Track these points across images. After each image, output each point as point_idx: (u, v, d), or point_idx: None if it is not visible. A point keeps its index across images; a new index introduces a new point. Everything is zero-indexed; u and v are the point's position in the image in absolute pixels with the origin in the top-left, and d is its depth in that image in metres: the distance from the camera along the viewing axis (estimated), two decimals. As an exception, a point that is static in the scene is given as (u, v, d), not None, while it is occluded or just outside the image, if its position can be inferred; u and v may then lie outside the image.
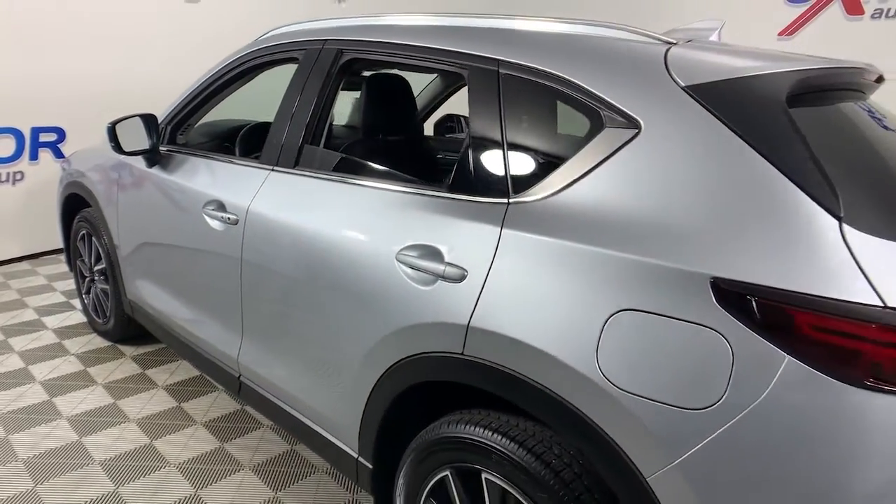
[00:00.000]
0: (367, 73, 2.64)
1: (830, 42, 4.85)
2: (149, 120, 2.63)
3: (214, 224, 2.27)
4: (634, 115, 1.35)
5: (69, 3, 4.50)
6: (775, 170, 1.18)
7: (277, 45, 2.36)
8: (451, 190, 1.62)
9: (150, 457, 2.50)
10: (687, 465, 1.16)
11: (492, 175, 1.56)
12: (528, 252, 1.40)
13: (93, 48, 4.66)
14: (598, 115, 1.41)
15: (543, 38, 1.63)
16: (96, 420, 2.74)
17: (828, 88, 1.51)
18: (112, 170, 3.02)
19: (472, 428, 1.50)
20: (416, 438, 1.67)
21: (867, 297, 1.05)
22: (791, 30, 5.08)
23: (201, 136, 2.99)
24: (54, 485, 2.32)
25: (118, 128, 2.61)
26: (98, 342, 3.49)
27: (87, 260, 3.43)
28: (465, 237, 1.53)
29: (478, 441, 1.47)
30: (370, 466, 1.84)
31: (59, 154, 4.75)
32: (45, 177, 4.70)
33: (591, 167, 1.38)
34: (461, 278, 1.49)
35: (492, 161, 1.57)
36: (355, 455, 1.89)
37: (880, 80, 1.68)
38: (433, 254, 1.56)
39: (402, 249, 1.63)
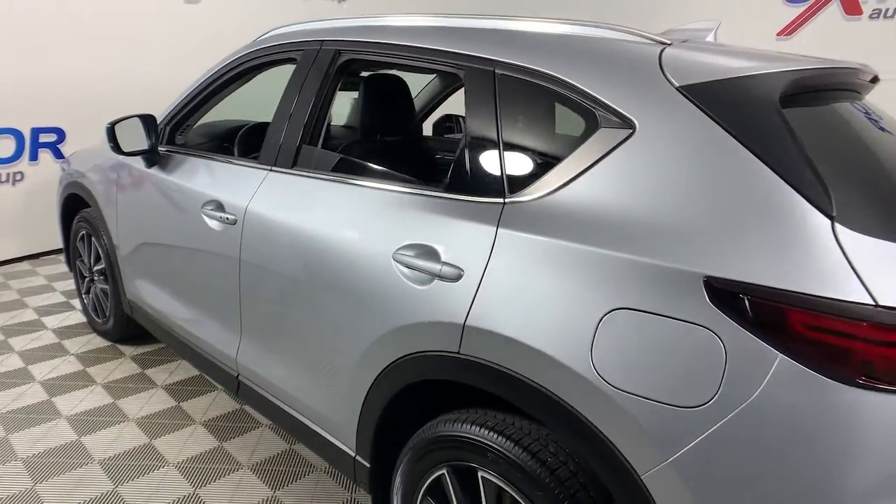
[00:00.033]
0: (364, 74, 2.65)
1: (829, 42, 4.87)
2: (147, 120, 2.64)
3: (213, 224, 2.28)
4: (629, 116, 1.36)
5: (69, 3, 4.51)
6: (768, 169, 1.19)
7: (275, 45, 2.37)
8: (447, 190, 1.63)
9: (149, 456, 2.51)
10: (680, 462, 1.16)
11: (488, 175, 1.56)
12: (524, 251, 1.41)
13: (93, 49, 4.66)
14: (593, 116, 1.42)
15: (539, 39, 1.64)
16: (95, 419, 2.75)
17: (822, 88, 1.52)
18: (111, 170, 3.03)
19: (469, 426, 1.50)
20: (413, 437, 1.68)
21: (859, 296, 1.06)
22: (790, 30, 5.09)
23: (200, 137, 3.00)
24: (53, 484, 2.32)
25: (117, 128, 2.62)
26: (98, 342, 3.50)
27: (86, 260, 3.44)
28: (461, 237, 1.54)
29: (474, 439, 1.48)
30: (367, 465, 1.85)
31: (58, 154, 4.76)
32: (44, 177, 4.71)
33: (586, 167, 1.39)
34: (457, 278, 1.50)
35: (488, 161, 1.58)
36: (353, 454, 1.89)
37: (875, 80, 1.69)
38: (430, 253, 1.57)
39: (398, 249, 1.64)
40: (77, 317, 3.81)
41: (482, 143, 1.60)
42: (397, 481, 1.73)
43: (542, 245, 1.38)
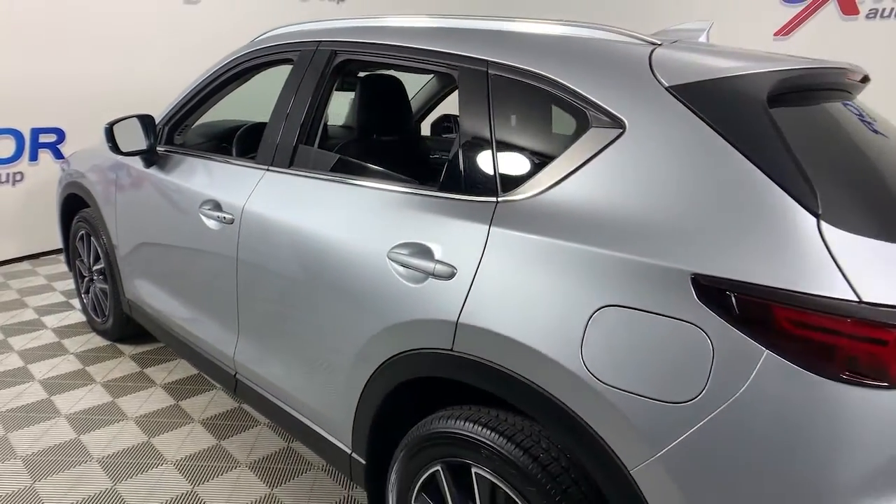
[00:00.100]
0: (361, 74, 2.67)
1: (826, 42, 4.88)
2: (146, 120, 2.65)
3: (211, 224, 2.29)
4: (619, 115, 1.38)
5: (69, 3, 4.53)
6: (756, 168, 1.20)
7: (272, 46, 2.38)
8: (441, 189, 1.65)
9: (148, 454, 2.53)
10: (669, 457, 1.18)
11: (481, 174, 1.58)
12: (516, 250, 1.43)
13: (92, 49, 4.68)
14: (584, 115, 1.43)
15: (532, 40, 1.65)
16: (95, 418, 2.77)
17: (813, 88, 1.53)
18: (110, 170, 3.04)
19: (462, 423, 1.52)
20: (407, 434, 1.70)
21: (843, 293, 1.07)
22: (787, 30, 5.11)
23: (198, 137, 3.02)
24: (53, 482, 2.34)
25: (116, 128, 2.64)
26: (97, 341, 3.52)
27: (86, 260, 3.46)
28: (454, 235, 1.55)
29: (468, 436, 1.49)
30: (363, 462, 1.86)
31: (58, 155, 4.78)
32: (44, 177, 4.72)
33: (576, 166, 1.40)
34: (450, 276, 1.51)
35: (481, 160, 1.59)
36: (349, 451, 1.91)
37: (866, 80, 1.70)
38: (424, 252, 1.59)
39: (393, 248, 1.66)
40: (76, 316, 3.82)
41: (475, 143, 1.62)
42: (392, 478, 1.75)
43: (533, 243, 1.40)
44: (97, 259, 3.33)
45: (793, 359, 1.08)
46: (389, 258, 1.66)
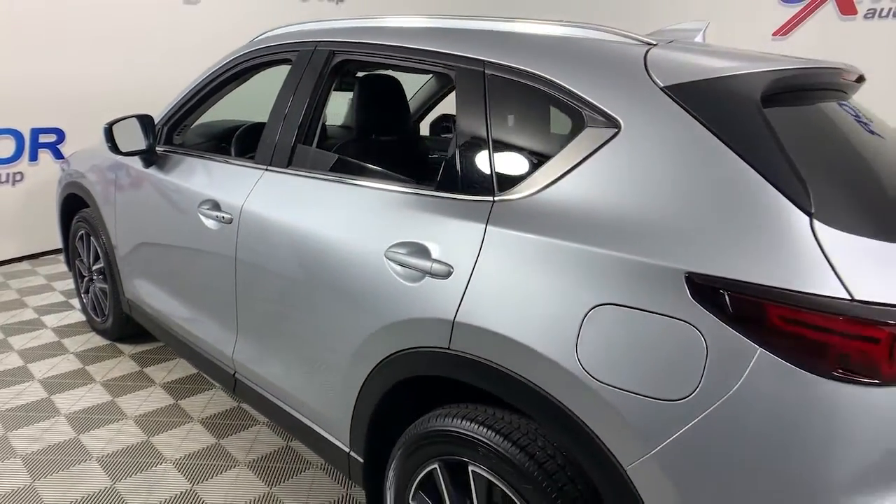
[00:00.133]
0: (360, 74, 2.67)
1: (824, 42, 4.89)
2: (145, 120, 2.66)
3: (209, 223, 2.30)
4: (614, 115, 1.38)
5: (69, 4, 4.54)
6: (749, 167, 1.21)
7: (271, 46, 2.39)
8: (439, 188, 1.66)
9: (147, 453, 2.53)
10: (663, 454, 1.19)
11: (477, 174, 1.59)
12: (512, 249, 1.44)
13: (92, 49, 4.69)
14: (579, 115, 1.44)
15: (528, 40, 1.66)
16: (94, 417, 2.78)
17: (807, 88, 1.54)
18: (109, 170, 3.05)
19: (459, 421, 1.53)
20: (405, 432, 1.70)
21: (836, 291, 1.08)
22: (785, 30, 5.12)
23: (197, 137, 3.03)
24: (52, 481, 2.35)
25: (115, 128, 2.65)
26: (97, 341, 3.53)
27: (85, 259, 3.47)
28: (451, 234, 1.56)
29: (464, 434, 1.50)
30: (361, 460, 1.87)
31: (58, 155, 4.79)
32: (44, 177, 4.73)
33: (572, 166, 1.41)
34: (447, 275, 1.52)
35: (477, 160, 1.60)
36: (347, 449, 1.92)
37: (861, 79, 1.71)
38: (421, 251, 1.60)
39: (391, 247, 1.66)
40: (76, 316, 3.83)
41: (472, 143, 1.62)
42: (390, 476, 1.76)
43: (529, 242, 1.41)
44: (97, 259, 3.34)
45: (786, 356, 1.09)
46: (387, 257, 1.66)
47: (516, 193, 1.49)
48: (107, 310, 3.40)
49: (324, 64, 2.13)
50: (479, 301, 1.46)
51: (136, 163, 2.80)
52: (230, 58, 2.56)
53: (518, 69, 1.57)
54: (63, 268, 4.28)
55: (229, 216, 2.20)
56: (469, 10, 2.23)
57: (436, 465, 1.61)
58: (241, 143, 2.74)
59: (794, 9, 5.05)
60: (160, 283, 2.79)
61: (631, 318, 1.23)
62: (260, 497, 2.31)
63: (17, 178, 4.70)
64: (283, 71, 2.32)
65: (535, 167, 1.49)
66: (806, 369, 1.08)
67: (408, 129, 2.71)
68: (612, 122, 1.39)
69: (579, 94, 1.45)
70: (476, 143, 1.62)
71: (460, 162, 1.63)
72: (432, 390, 1.69)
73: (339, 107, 3.40)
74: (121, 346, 3.46)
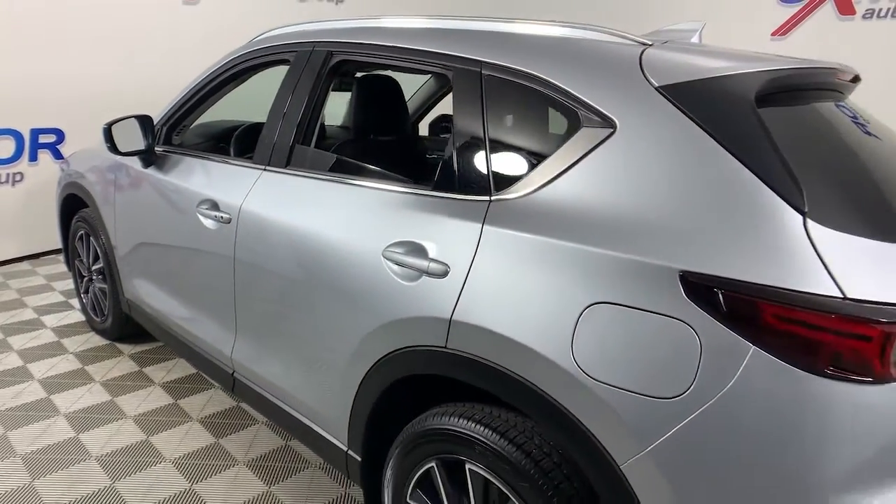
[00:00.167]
0: (358, 75, 2.68)
1: (823, 42, 4.90)
2: (144, 121, 2.67)
3: (208, 223, 2.31)
4: (610, 115, 1.39)
5: (69, 4, 4.54)
6: (743, 167, 1.22)
7: (269, 47, 2.40)
8: (436, 188, 1.67)
9: (146, 452, 2.54)
10: (658, 452, 1.19)
11: (474, 173, 1.60)
12: (508, 248, 1.44)
13: (92, 50, 4.70)
14: (575, 115, 1.45)
15: (525, 40, 1.67)
16: (93, 417, 2.78)
17: (802, 88, 1.55)
18: (109, 170, 3.06)
19: (457, 420, 1.53)
20: (403, 431, 1.71)
21: (828, 290, 1.09)
22: (784, 30, 5.12)
23: (196, 137, 3.04)
24: (51, 480, 2.36)
25: (114, 129, 2.65)
26: (96, 340, 3.53)
27: (85, 260, 3.48)
28: (448, 234, 1.57)
29: (461, 432, 1.51)
30: (359, 459, 1.88)
31: (58, 155, 4.80)
32: (44, 178, 4.74)
33: (568, 165, 1.42)
34: (444, 274, 1.53)
35: (474, 160, 1.61)
36: (345, 448, 1.93)
37: (856, 79, 1.72)
38: (418, 250, 1.61)
39: (388, 246, 1.67)
40: (76, 316, 3.84)
41: (469, 143, 1.63)
42: (388, 474, 1.76)
43: (525, 241, 1.41)
44: (96, 259, 3.35)
45: (779, 354, 1.10)
46: (384, 257, 1.67)
47: (512, 193, 1.49)
48: (106, 310, 3.41)
49: (322, 64, 2.13)
50: (475, 300, 1.46)
51: (135, 163, 2.81)
52: (228, 58, 2.57)
53: (514, 69, 1.58)
54: (63, 268, 4.29)
55: (228, 216, 2.21)
56: (468, 11, 2.24)
57: (433, 464, 1.62)
58: (239, 143, 2.75)
59: (793, 9, 5.06)
60: (159, 282, 2.80)
61: (626, 317, 1.23)
62: (259, 496, 2.31)
63: (17, 178, 4.71)
64: (281, 71, 2.33)
65: (531, 167, 1.50)
66: (799, 367, 1.09)
67: (406, 129, 2.72)
68: (607, 122, 1.39)
69: (575, 94, 1.46)
70: (473, 143, 1.62)
71: (457, 162, 1.64)
72: (430, 389, 1.70)
73: (338, 107, 3.41)
74: (120, 346, 3.47)
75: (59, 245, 3.85)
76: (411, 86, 3.40)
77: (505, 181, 1.53)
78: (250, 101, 2.97)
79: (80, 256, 3.54)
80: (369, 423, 1.81)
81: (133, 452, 2.54)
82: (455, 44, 1.75)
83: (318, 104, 2.15)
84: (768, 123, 1.29)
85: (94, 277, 3.43)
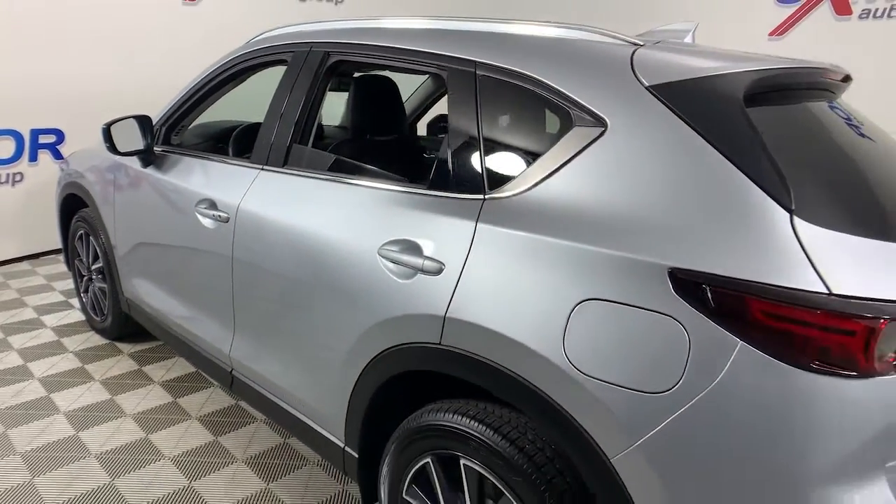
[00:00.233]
0: (356, 75, 2.70)
1: (820, 42, 4.91)
2: (143, 121, 2.68)
3: (206, 222, 2.33)
4: (601, 114, 1.41)
5: (69, 4, 4.56)
6: (731, 165, 1.24)
7: (267, 47, 2.42)
8: (431, 187, 1.68)
9: (146, 450, 2.56)
10: (647, 445, 1.21)
11: (468, 172, 1.62)
12: (502, 246, 1.46)
13: (91, 50, 4.72)
14: (567, 114, 1.47)
15: (518, 41, 1.69)
16: (93, 415, 2.80)
17: (793, 87, 1.56)
18: (108, 170, 3.08)
19: (451, 416, 1.55)
20: (398, 427, 1.73)
21: (814, 285, 1.11)
22: (781, 30, 5.13)
23: (195, 137, 3.05)
24: (51, 477, 2.38)
25: (113, 129, 2.67)
26: (96, 340, 3.55)
27: (84, 259, 3.50)
28: (442, 232, 1.59)
29: (456, 428, 1.53)
30: (356, 455, 1.90)
31: (57, 155, 4.82)
32: (44, 178, 4.76)
33: (560, 164, 1.44)
34: (438, 271, 1.55)
35: (468, 159, 1.63)
36: (342, 445, 1.94)
37: (847, 79, 1.73)
38: (413, 248, 1.62)
39: (384, 244, 1.69)
40: (76, 315, 3.86)
41: (463, 142, 1.65)
42: (384, 471, 1.78)
43: (518, 239, 1.43)
44: (96, 258, 3.36)
45: (766, 349, 1.12)
46: (380, 255, 1.69)
47: (506, 191, 1.51)
48: (106, 309, 3.42)
49: (319, 64, 2.15)
50: (469, 297, 1.48)
51: (134, 163, 2.82)
52: (227, 59, 2.59)
53: (508, 69, 1.60)
54: (63, 268, 4.31)
55: (226, 215, 2.23)
56: (464, 12, 2.25)
57: (428, 459, 1.64)
58: (237, 143, 2.77)
59: (790, 9, 5.07)
60: (158, 282, 2.82)
61: (616, 313, 1.25)
62: (257, 493, 2.33)
63: (17, 178, 4.72)
64: (279, 72, 2.35)
65: (524, 166, 1.52)
66: (786, 362, 1.11)
67: (403, 128, 2.74)
68: (598, 122, 1.41)
69: (567, 93, 1.47)
70: (467, 143, 1.64)
71: (452, 161, 1.66)
72: (425, 386, 1.72)
73: (337, 107, 3.42)
74: (120, 345, 3.48)
75: (59, 245, 3.87)
76: (410, 86, 3.43)
77: (498, 180, 1.55)
78: (249, 102, 2.99)
79: (79, 256, 3.55)
80: (366, 419, 1.83)
81: (132, 450, 2.56)
82: (449, 44, 1.77)
83: (315, 104, 2.17)
84: (757, 122, 1.31)
85: (93, 277, 3.45)
